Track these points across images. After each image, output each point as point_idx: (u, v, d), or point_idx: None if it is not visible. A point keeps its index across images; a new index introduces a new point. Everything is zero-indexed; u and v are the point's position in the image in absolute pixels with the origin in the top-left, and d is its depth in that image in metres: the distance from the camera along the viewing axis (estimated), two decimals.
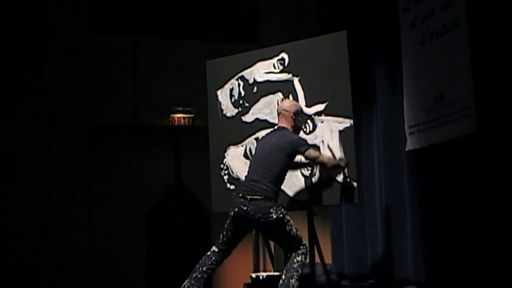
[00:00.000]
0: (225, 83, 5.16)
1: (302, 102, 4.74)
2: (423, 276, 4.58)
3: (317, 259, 4.73)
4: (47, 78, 6.89)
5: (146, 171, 7.18)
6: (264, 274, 4.95)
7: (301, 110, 4.38)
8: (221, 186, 5.03)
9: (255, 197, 3.92)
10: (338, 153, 4.48)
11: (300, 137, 4.27)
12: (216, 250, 4.07)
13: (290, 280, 3.88)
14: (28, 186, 6.65)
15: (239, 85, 5.09)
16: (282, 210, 3.96)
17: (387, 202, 5.16)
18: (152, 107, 7.20)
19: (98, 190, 7.00)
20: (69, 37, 6.98)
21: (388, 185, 5.15)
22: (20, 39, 6.83)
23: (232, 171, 5.02)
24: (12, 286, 6.30)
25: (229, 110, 5.12)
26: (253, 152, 4.88)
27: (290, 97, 4.81)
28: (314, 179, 4.61)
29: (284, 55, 4.92)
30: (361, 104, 5.40)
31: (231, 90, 5.13)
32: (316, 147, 4.55)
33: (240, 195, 3.99)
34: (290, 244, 4.03)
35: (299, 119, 4.31)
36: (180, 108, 7.23)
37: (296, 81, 4.83)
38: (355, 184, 4.51)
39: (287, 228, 3.95)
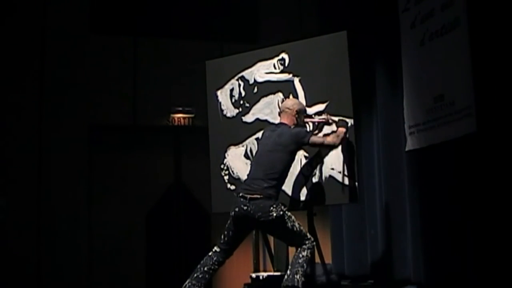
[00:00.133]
0: (225, 83, 5.16)
1: (302, 102, 4.74)
2: (423, 276, 4.59)
3: (317, 259, 4.73)
4: (47, 78, 6.89)
5: (146, 171, 7.18)
6: (264, 274, 4.95)
7: (304, 110, 4.39)
8: (221, 186, 5.03)
9: (255, 196, 3.92)
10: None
11: (299, 129, 4.25)
12: (218, 250, 4.07)
13: (295, 276, 3.88)
14: (28, 186, 6.65)
15: (239, 85, 5.10)
16: (282, 207, 3.96)
17: (387, 202, 5.16)
18: (152, 107, 7.19)
19: (98, 190, 6.99)
20: (69, 37, 6.98)
21: (388, 185, 5.15)
22: (20, 39, 6.82)
23: (232, 171, 5.02)
24: (12, 286, 6.30)
25: (229, 110, 5.12)
26: (254, 152, 4.88)
27: (291, 97, 4.81)
28: (314, 179, 4.61)
29: (284, 55, 4.92)
30: (361, 104, 5.41)
31: (231, 90, 5.13)
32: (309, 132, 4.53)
33: (241, 194, 3.99)
34: (294, 240, 4.03)
35: (302, 118, 4.31)
36: (180, 108, 7.23)
37: (296, 81, 4.83)
38: (354, 184, 4.51)
39: (289, 224, 3.95)
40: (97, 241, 6.86)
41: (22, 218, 6.52)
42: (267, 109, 4.93)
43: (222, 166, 5.07)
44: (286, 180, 4.23)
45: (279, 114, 4.57)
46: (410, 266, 4.90)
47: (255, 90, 5.02)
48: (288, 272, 3.93)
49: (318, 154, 4.54)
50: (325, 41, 4.82)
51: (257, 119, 4.98)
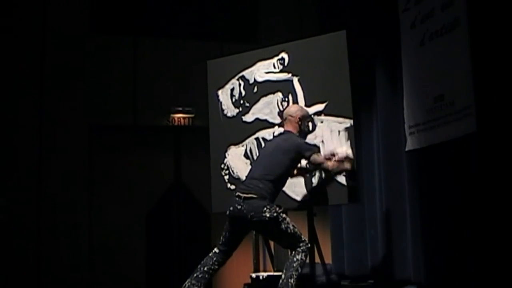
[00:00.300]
0: (226, 83, 5.16)
1: (301, 102, 4.75)
2: (423, 276, 4.58)
3: (317, 259, 4.73)
4: (47, 78, 6.89)
5: (146, 171, 7.18)
6: (264, 274, 4.95)
7: (307, 115, 4.37)
8: (222, 186, 5.04)
9: (249, 195, 3.92)
10: (345, 152, 4.42)
11: (306, 142, 4.26)
12: (217, 251, 4.07)
13: (289, 280, 3.87)
14: (28, 186, 6.65)
15: (239, 85, 5.10)
16: (277, 209, 3.94)
17: (387, 202, 5.16)
18: (152, 107, 7.19)
19: (98, 190, 7.00)
20: (69, 37, 6.98)
21: (388, 185, 5.15)
22: (20, 39, 6.82)
23: (232, 171, 5.02)
24: (12, 286, 6.31)
25: (230, 110, 5.13)
26: (254, 152, 4.89)
27: (290, 96, 4.82)
28: (314, 180, 4.61)
29: (284, 54, 4.92)
30: (361, 104, 5.40)
31: (232, 90, 5.13)
32: (316, 147, 4.55)
33: (236, 194, 3.99)
34: (289, 242, 4.01)
35: (306, 123, 4.31)
36: (180, 108, 7.23)
37: (295, 80, 4.83)
38: (355, 184, 4.51)
39: (283, 226, 3.93)
40: (97, 241, 6.86)
41: (22, 218, 6.52)
42: (267, 108, 4.93)
43: (222, 166, 5.07)
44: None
45: (279, 114, 4.58)
46: (410, 266, 4.90)
47: (255, 89, 5.02)
48: (283, 276, 3.92)
49: None
50: (324, 41, 4.82)
51: (257, 118, 4.98)
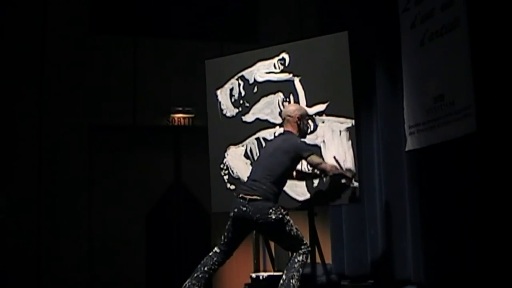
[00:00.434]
0: (225, 83, 5.16)
1: (303, 102, 4.75)
2: (423, 276, 4.58)
3: (317, 259, 4.74)
4: (47, 78, 6.89)
5: (146, 171, 7.18)
6: (264, 274, 4.95)
7: (306, 114, 4.37)
8: (221, 186, 5.04)
9: (254, 197, 3.92)
10: (347, 165, 4.46)
11: (305, 142, 4.27)
12: (218, 250, 4.07)
13: (291, 280, 3.88)
14: (28, 186, 6.65)
15: (239, 85, 5.10)
16: (282, 210, 3.96)
17: (387, 202, 5.16)
18: (152, 107, 7.19)
19: (98, 190, 7.00)
20: (69, 37, 6.98)
21: (388, 185, 5.15)
22: (20, 39, 6.83)
23: (232, 171, 5.02)
24: (12, 286, 6.31)
25: (229, 110, 5.12)
26: (254, 152, 4.90)
27: (291, 97, 4.82)
28: (314, 179, 4.61)
29: (284, 55, 4.92)
30: (361, 104, 5.40)
31: (231, 90, 5.13)
32: (317, 147, 4.56)
33: (240, 195, 3.99)
34: (291, 244, 4.03)
35: (305, 122, 4.31)
36: (180, 108, 7.23)
37: (297, 81, 4.83)
38: (355, 184, 4.51)
39: (287, 228, 3.95)
40: (97, 241, 6.86)
41: (22, 218, 6.52)
42: (267, 109, 4.93)
43: (222, 166, 5.07)
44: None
45: (280, 115, 4.58)
46: (410, 266, 4.90)
47: (255, 89, 5.02)
48: (284, 276, 3.93)
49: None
50: (326, 41, 4.82)
51: (257, 118, 4.98)
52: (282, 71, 4.92)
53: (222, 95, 5.17)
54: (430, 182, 4.51)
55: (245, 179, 4.34)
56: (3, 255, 6.31)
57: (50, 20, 6.98)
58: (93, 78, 6.99)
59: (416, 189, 4.74)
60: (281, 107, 4.84)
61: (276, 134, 4.58)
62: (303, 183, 4.64)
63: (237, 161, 5.01)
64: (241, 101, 5.07)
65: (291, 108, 4.38)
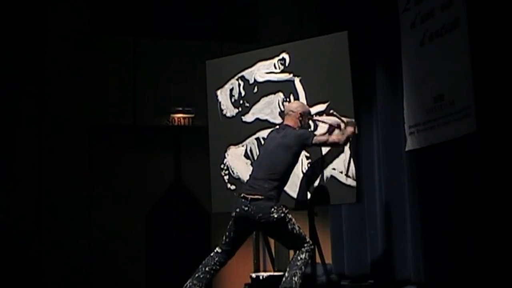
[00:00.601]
0: (225, 83, 5.16)
1: (303, 102, 4.74)
2: (423, 276, 4.58)
3: (317, 259, 4.74)
4: (47, 78, 6.89)
5: (146, 171, 7.18)
6: (264, 274, 4.95)
7: (308, 112, 4.39)
8: (221, 186, 5.04)
9: (256, 197, 3.92)
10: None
11: (303, 130, 4.27)
12: (219, 251, 4.07)
13: (293, 278, 3.88)
14: (28, 186, 6.65)
15: (239, 85, 5.10)
16: (284, 209, 3.96)
17: (387, 202, 5.16)
18: (152, 107, 7.19)
19: (98, 190, 7.00)
20: (69, 37, 6.98)
21: (388, 185, 5.15)
22: (20, 39, 6.82)
23: (232, 171, 5.02)
24: (12, 286, 6.30)
25: (229, 110, 5.13)
26: (254, 152, 4.89)
27: (291, 97, 4.82)
28: (315, 179, 4.61)
29: (285, 55, 4.92)
30: (361, 104, 5.40)
31: (231, 90, 5.13)
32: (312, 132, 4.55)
33: (242, 195, 3.99)
34: (294, 242, 4.03)
35: (306, 120, 4.32)
36: (180, 108, 7.22)
37: (297, 81, 4.83)
38: (355, 184, 4.51)
39: (289, 227, 3.95)
40: (97, 241, 6.86)
41: (22, 218, 6.52)
42: (267, 109, 4.93)
43: (222, 166, 5.07)
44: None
45: (280, 114, 4.57)
46: (410, 266, 4.90)
47: (255, 89, 5.02)
48: (286, 274, 3.93)
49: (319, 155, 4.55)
50: (326, 41, 4.82)
51: (257, 119, 4.98)
52: (282, 71, 4.92)
53: (222, 95, 5.18)
54: (430, 182, 4.51)
55: (246, 179, 4.34)
56: (3, 255, 6.30)
57: (50, 20, 6.97)
58: (93, 78, 6.98)
59: (416, 189, 4.74)
60: (281, 107, 4.84)
61: (273, 129, 4.52)
62: (303, 183, 4.63)
63: (237, 161, 5.01)
64: (241, 101, 5.08)
65: (294, 104, 4.42)
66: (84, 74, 6.97)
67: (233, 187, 4.96)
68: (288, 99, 4.84)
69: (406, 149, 4.83)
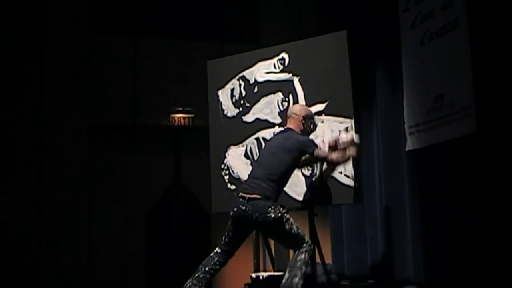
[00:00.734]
0: (226, 83, 5.16)
1: (302, 101, 4.75)
2: (423, 276, 4.58)
3: (317, 259, 4.73)
4: (47, 78, 6.89)
5: (146, 171, 7.18)
6: (264, 274, 4.95)
7: (311, 115, 4.37)
8: (222, 186, 5.04)
9: (253, 196, 3.92)
10: (349, 138, 4.39)
11: (307, 138, 4.26)
12: (219, 251, 4.07)
13: (294, 279, 3.87)
14: (28, 186, 6.65)
15: (240, 85, 5.10)
16: (281, 209, 3.95)
17: (387, 202, 5.16)
18: (152, 107, 7.19)
19: (98, 190, 7.00)
20: (69, 37, 6.98)
21: (388, 185, 5.15)
22: (20, 39, 6.82)
23: (232, 171, 5.02)
24: (12, 286, 6.30)
25: (230, 110, 5.13)
26: (254, 152, 4.90)
27: (290, 96, 4.82)
28: (314, 179, 4.61)
29: (284, 55, 4.92)
30: (361, 104, 5.40)
31: (232, 90, 5.13)
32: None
33: (240, 194, 3.99)
34: (292, 242, 4.02)
35: (309, 123, 4.31)
36: (180, 108, 7.23)
37: (296, 80, 4.84)
38: (356, 184, 4.51)
39: (287, 227, 3.94)
40: (97, 241, 6.86)
41: (22, 218, 6.52)
42: (267, 108, 4.94)
43: (222, 166, 5.07)
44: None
45: (279, 114, 4.57)
46: (410, 266, 4.90)
47: (256, 89, 5.02)
48: (287, 275, 3.92)
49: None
50: (325, 41, 4.82)
51: (257, 118, 4.99)
52: (281, 71, 4.92)
53: (223, 95, 5.18)
54: (430, 182, 4.51)
55: (245, 179, 4.34)
56: (3, 255, 6.30)
57: (50, 20, 6.97)
58: (93, 78, 6.98)
59: (416, 189, 4.74)
60: (280, 107, 4.85)
61: (277, 131, 4.56)
62: (303, 183, 4.63)
63: (238, 161, 5.01)
64: (242, 101, 5.08)
65: (297, 107, 4.40)
66: (84, 74, 6.97)
67: (233, 187, 4.96)
68: (287, 99, 4.84)
69: (406, 149, 4.83)
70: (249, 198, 3.92)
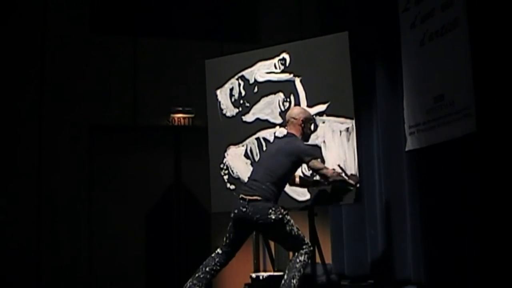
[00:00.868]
0: (225, 83, 5.16)
1: (303, 102, 4.75)
2: (423, 276, 4.59)
3: (317, 259, 4.73)
4: (47, 78, 6.89)
5: (146, 171, 7.18)
6: (264, 274, 4.95)
7: (310, 117, 4.36)
8: (221, 186, 5.04)
9: (254, 198, 3.93)
10: (350, 170, 4.47)
11: (308, 146, 4.26)
12: (220, 252, 4.08)
13: (292, 280, 3.88)
14: (28, 186, 6.65)
15: (239, 84, 5.10)
16: (282, 210, 3.95)
17: (387, 202, 5.16)
18: (152, 107, 7.19)
19: (98, 190, 6.99)
20: (69, 37, 6.98)
21: (388, 185, 5.15)
22: (20, 39, 6.82)
23: (232, 171, 5.02)
24: (12, 286, 6.30)
25: (229, 109, 5.12)
26: (254, 152, 4.90)
27: (291, 97, 4.82)
28: (316, 187, 4.60)
29: (285, 55, 4.92)
30: (361, 104, 5.41)
31: (231, 89, 5.13)
32: (317, 147, 4.56)
33: (240, 196, 4.00)
34: (292, 244, 4.03)
35: (308, 126, 4.31)
36: (180, 108, 7.22)
37: (297, 81, 4.83)
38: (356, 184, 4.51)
39: (287, 228, 3.95)
40: (97, 241, 6.86)
41: (22, 218, 6.52)
42: (268, 109, 4.93)
43: (222, 166, 5.07)
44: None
45: (280, 115, 4.56)
46: (410, 266, 4.90)
47: (256, 89, 5.02)
48: (285, 276, 3.93)
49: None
50: (326, 42, 4.82)
51: (258, 118, 4.98)
52: (282, 71, 4.92)
53: (222, 95, 5.17)
54: (430, 182, 4.51)
55: (245, 179, 4.35)
56: (3, 255, 6.30)
57: (50, 20, 6.97)
58: (93, 78, 6.98)
59: (416, 189, 4.74)
60: (282, 107, 4.85)
61: (278, 135, 4.57)
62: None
63: (237, 161, 5.01)
64: (241, 101, 5.07)
65: (295, 110, 4.37)
66: (84, 74, 6.97)
67: (232, 187, 4.96)
68: (288, 99, 4.84)
69: (406, 149, 4.83)
70: (249, 199, 3.93)
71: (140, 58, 7.23)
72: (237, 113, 5.09)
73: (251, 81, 5.05)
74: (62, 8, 6.99)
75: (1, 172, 6.52)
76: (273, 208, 3.91)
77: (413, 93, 4.71)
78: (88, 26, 7.13)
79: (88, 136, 6.98)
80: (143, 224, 7.19)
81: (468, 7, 4.01)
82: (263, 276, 4.85)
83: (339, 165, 4.49)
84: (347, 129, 4.58)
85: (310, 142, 4.49)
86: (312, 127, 4.45)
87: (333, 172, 4.24)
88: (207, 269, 4.01)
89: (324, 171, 4.18)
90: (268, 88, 4.96)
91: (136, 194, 7.11)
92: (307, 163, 4.13)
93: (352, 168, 4.53)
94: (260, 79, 5.01)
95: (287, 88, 4.87)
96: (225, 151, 5.07)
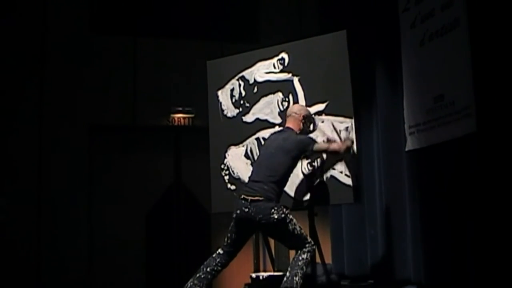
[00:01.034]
0: (226, 83, 5.16)
1: (302, 101, 4.75)
2: (423, 276, 4.59)
3: (317, 259, 4.73)
4: (47, 78, 6.89)
5: (146, 171, 7.18)
6: (264, 274, 4.95)
7: (311, 115, 4.41)
8: (221, 186, 5.04)
9: (256, 198, 3.93)
10: (342, 135, 4.51)
11: (303, 136, 4.29)
12: (221, 252, 4.08)
13: (294, 278, 3.89)
14: (28, 186, 6.65)
15: (239, 85, 5.10)
16: (284, 210, 3.96)
17: (387, 202, 5.16)
18: (152, 107, 7.19)
19: (98, 190, 6.99)
20: (69, 37, 6.98)
21: (388, 185, 5.15)
22: (20, 39, 6.82)
23: (232, 171, 5.02)
24: (12, 286, 6.30)
25: (230, 110, 5.13)
26: (254, 152, 4.90)
27: (290, 96, 4.82)
28: (315, 179, 4.61)
29: (284, 55, 4.92)
30: (361, 104, 5.41)
31: (232, 90, 5.13)
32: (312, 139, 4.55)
33: (242, 196, 4.00)
34: (295, 243, 4.03)
35: (308, 123, 4.33)
36: (180, 108, 7.23)
37: (296, 80, 4.83)
38: (356, 184, 4.51)
39: (290, 227, 3.95)
40: (97, 241, 6.86)
41: (22, 218, 6.52)
42: (267, 108, 4.93)
43: (222, 166, 5.07)
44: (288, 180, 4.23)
45: (279, 114, 4.55)
46: (410, 266, 4.90)
47: (255, 90, 5.02)
48: (288, 274, 3.94)
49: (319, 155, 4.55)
50: (325, 41, 4.82)
51: (257, 119, 4.98)
52: (281, 71, 4.92)
53: (223, 95, 5.18)
54: (430, 182, 4.51)
55: (246, 179, 4.35)
56: (3, 255, 6.30)
57: (50, 20, 6.97)
58: (93, 78, 6.98)
59: (416, 189, 4.74)
60: (280, 107, 4.85)
61: (274, 131, 4.55)
62: (304, 183, 4.63)
63: (238, 161, 5.01)
64: (242, 102, 5.08)
65: (297, 106, 4.44)
66: (84, 74, 6.97)
67: (233, 187, 4.96)
68: (287, 99, 4.84)
69: (406, 149, 4.83)
70: (251, 200, 3.93)
71: (140, 58, 7.23)
72: (237, 114, 5.09)
73: (251, 81, 5.05)
74: (62, 8, 7.00)
75: (1, 172, 6.52)
76: (276, 208, 3.92)
77: (413, 93, 4.71)
78: (88, 26, 7.14)
79: (88, 136, 6.98)
80: (143, 224, 7.19)
81: (468, 7, 4.01)
82: (263, 276, 4.85)
83: (327, 138, 4.50)
84: (347, 128, 4.58)
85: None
86: (311, 126, 4.46)
87: (338, 145, 4.33)
88: (208, 269, 4.01)
89: (331, 147, 4.28)
90: (268, 88, 4.96)
91: (136, 194, 7.11)
92: (312, 151, 4.17)
93: (352, 167, 4.53)
94: (259, 79, 5.01)
95: (285, 87, 4.87)
96: (226, 151, 5.07)
